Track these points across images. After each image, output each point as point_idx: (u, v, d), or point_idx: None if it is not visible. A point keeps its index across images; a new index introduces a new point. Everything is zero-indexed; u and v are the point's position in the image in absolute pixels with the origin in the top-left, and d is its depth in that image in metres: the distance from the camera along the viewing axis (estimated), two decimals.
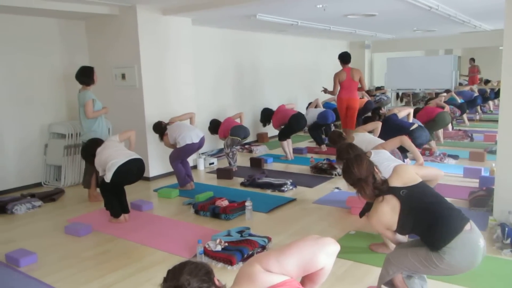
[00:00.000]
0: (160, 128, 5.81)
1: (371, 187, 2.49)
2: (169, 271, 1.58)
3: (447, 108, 7.92)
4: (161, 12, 6.24)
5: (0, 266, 3.56)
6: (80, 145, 5.70)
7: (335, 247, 1.74)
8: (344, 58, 7.41)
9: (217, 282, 1.57)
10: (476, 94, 10.94)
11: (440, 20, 8.01)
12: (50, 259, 3.68)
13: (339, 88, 7.34)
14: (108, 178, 4.27)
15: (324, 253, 1.68)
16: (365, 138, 4.89)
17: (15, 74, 5.83)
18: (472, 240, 2.33)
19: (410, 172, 2.56)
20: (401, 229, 2.48)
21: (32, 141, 6.05)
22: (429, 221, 2.38)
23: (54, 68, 6.27)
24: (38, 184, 6.12)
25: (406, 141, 4.38)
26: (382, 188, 2.49)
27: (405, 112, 6.22)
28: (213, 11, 6.10)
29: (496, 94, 12.14)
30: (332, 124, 8.88)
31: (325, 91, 7.68)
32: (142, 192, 5.71)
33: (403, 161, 4.46)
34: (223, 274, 3.22)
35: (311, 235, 1.77)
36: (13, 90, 5.82)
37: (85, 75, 5.18)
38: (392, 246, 3.42)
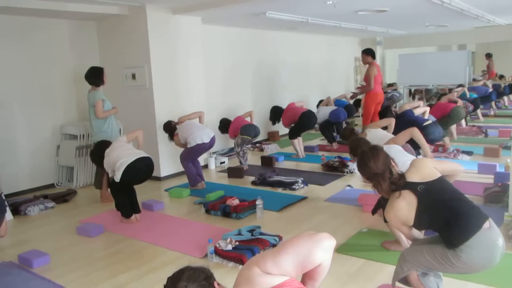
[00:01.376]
0: (170, 128, 5.82)
1: (388, 182, 2.43)
2: (168, 279, 1.57)
3: (460, 102, 7.81)
4: (171, 11, 6.25)
5: (13, 267, 3.58)
6: (92, 146, 5.74)
7: (331, 242, 1.71)
8: (373, 53, 7.41)
9: (217, 286, 1.56)
10: (491, 89, 10.77)
11: (453, 15, 7.89)
12: (63, 260, 3.70)
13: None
14: (117, 177, 4.27)
15: (320, 249, 1.65)
16: (377, 134, 4.84)
17: (26, 76, 5.88)
18: (491, 238, 2.26)
19: (428, 166, 2.48)
20: (418, 225, 2.42)
21: (44, 142, 6.11)
22: (447, 218, 2.32)
23: (66, 69, 6.31)
24: (51, 185, 6.17)
25: (416, 133, 4.32)
26: (399, 183, 2.42)
27: (421, 110, 6.13)
28: (223, 9, 6.08)
29: (510, 89, 11.94)
30: (344, 122, 8.80)
31: (360, 89, 7.80)
32: (153, 192, 5.72)
33: (416, 156, 4.38)
34: (234, 273, 3.18)
35: (306, 232, 1.74)
36: (25, 91, 5.87)
37: (95, 76, 5.21)
38: (405, 243, 3.37)
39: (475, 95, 9.38)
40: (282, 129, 8.82)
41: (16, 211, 4.96)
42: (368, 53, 7.29)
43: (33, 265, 3.53)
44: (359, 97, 8.76)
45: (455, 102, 7.65)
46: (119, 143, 4.57)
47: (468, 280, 2.91)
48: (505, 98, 12.54)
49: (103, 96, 5.22)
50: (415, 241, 2.59)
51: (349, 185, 5.47)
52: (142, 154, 4.47)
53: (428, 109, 6.30)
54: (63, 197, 5.45)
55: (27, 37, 5.86)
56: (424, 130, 5.64)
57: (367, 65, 7.41)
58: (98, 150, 4.60)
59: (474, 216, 2.30)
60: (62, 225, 4.59)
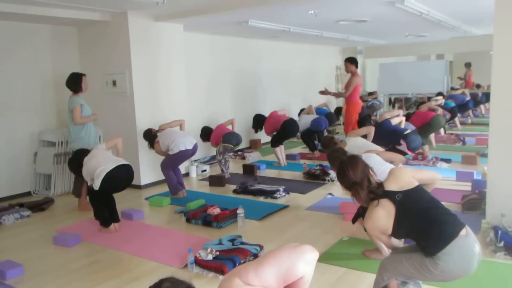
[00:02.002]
0: (150, 136, 5.76)
1: (366, 191, 2.44)
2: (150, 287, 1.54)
3: (440, 110, 7.95)
4: (153, 18, 6.22)
5: None
6: (70, 153, 5.65)
7: (313, 254, 1.70)
8: (357, 62, 7.39)
9: None
10: (468, 98, 11.00)
11: (431, 26, 8.06)
12: (38, 271, 3.60)
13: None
14: (96, 185, 4.20)
15: (303, 261, 1.65)
16: (357, 142, 4.88)
17: (4, 81, 5.76)
18: (467, 246, 2.29)
19: (406, 175, 2.51)
20: (396, 233, 2.44)
21: (21, 149, 5.97)
22: (424, 226, 2.34)
23: (45, 74, 6.21)
24: (28, 193, 6.03)
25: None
26: (377, 192, 2.44)
27: (397, 119, 6.23)
28: (205, 18, 6.08)
29: (487, 97, 12.21)
30: (325, 130, 8.86)
31: (328, 93, 7.60)
32: (133, 200, 5.65)
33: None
34: (215, 284, 3.16)
35: (289, 244, 1.74)
36: (2, 96, 5.74)
37: (73, 82, 5.15)
38: (386, 252, 3.39)
39: (452, 104, 9.56)
40: (264, 137, 8.83)
41: None
42: (352, 62, 7.27)
43: (6, 277, 3.43)
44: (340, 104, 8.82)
45: (435, 110, 7.78)
46: (98, 151, 4.49)
47: (445, 287, 2.94)
48: (482, 106, 12.82)
49: (82, 101, 5.14)
50: (394, 250, 2.60)
51: (330, 194, 5.49)
52: (122, 161, 4.41)
53: (404, 119, 6.41)
54: (40, 206, 5.33)
55: (5, 42, 5.74)
56: (405, 138, 5.74)
57: (349, 74, 7.40)
58: (77, 158, 4.52)
59: (450, 224, 2.33)
60: (38, 235, 4.48)
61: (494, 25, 3.84)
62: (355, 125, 7.37)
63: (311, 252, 1.70)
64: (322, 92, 7.59)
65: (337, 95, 7.46)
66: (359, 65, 12.98)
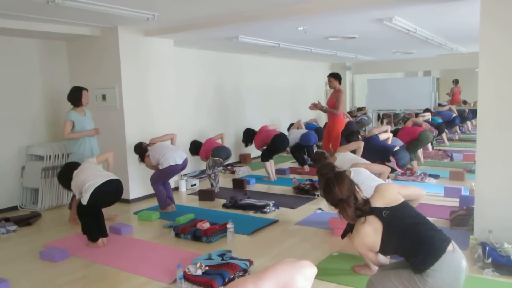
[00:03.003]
0: (140, 149, 5.75)
1: (353, 208, 2.46)
2: None
3: (426, 125, 8.05)
4: (143, 33, 6.24)
5: None
6: (58, 168, 5.61)
7: (312, 270, 1.71)
8: (341, 78, 7.14)
9: None
10: (455, 114, 11.16)
11: (419, 43, 8.21)
12: (24, 287, 3.54)
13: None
14: (85, 200, 4.16)
15: (302, 276, 1.66)
16: (347, 157, 4.93)
17: None
18: (455, 261, 2.31)
19: (392, 191, 2.53)
20: (384, 250, 2.45)
21: (8, 163, 5.91)
22: (411, 243, 2.36)
23: (34, 89, 6.18)
24: (14, 208, 5.94)
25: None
26: (364, 209, 2.45)
27: (385, 135, 6.31)
28: (195, 33, 6.13)
29: (474, 114, 12.39)
30: (315, 145, 8.90)
31: (321, 107, 7.09)
32: (121, 215, 5.59)
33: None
34: None
35: (288, 258, 1.74)
36: None
37: (73, 96, 5.19)
38: (375, 268, 3.39)
39: (440, 120, 9.69)
40: (254, 151, 8.84)
41: None
42: (336, 78, 7.04)
43: None
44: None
45: (420, 125, 7.87)
46: (88, 165, 4.47)
47: None
48: (469, 123, 13.00)
49: (77, 117, 5.15)
50: (382, 267, 2.61)
51: (320, 208, 5.50)
52: (111, 176, 4.38)
53: (391, 135, 6.48)
54: (27, 220, 5.25)
55: None
56: (395, 155, 5.80)
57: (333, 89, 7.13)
58: (66, 172, 4.48)
59: (437, 239, 2.35)
60: (24, 250, 4.41)
61: (479, 43, 3.93)
62: (338, 142, 7.11)
63: (309, 268, 1.71)
64: (314, 105, 7.26)
65: (328, 111, 7.21)
66: (347, 80, 13.24)
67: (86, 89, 5.30)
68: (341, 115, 7.18)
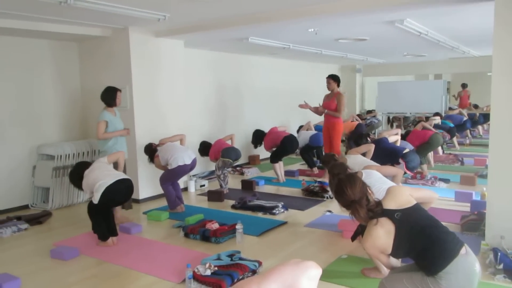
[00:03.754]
0: (150, 150, 5.77)
1: (365, 209, 2.44)
2: None
3: (434, 130, 7.99)
4: (154, 34, 6.28)
5: None
6: (69, 167, 5.64)
7: (317, 271, 1.71)
8: (339, 80, 7.05)
9: None
10: (466, 118, 11.06)
11: (430, 46, 8.16)
12: (34, 284, 3.57)
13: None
14: (96, 199, 4.19)
15: (306, 277, 1.65)
16: (357, 160, 4.91)
17: (4, 95, 5.78)
18: (468, 264, 2.29)
19: (404, 194, 2.51)
20: (395, 253, 2.43)
21: (20, 162, 5.96)
22: (424, 245, 2.33)
23: (45, 89, 6.24)
24: (25, 207, 6.00)
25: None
26: (376, 211, 2.43)
27: (394, 138, 6.28)
28: (206, 34, 6.14)
29: (485, 118, 12.28)
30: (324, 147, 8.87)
31: (317, 110, 7.09)
32: (131, 214, 5.62)
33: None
34: None
35: (293, 259, 1.74)
36: (2, 110, 5.76)
37: (108, 96, 5.17)
38: (385, 270, 3.37)
39: (451, 124, 9.61)
40: (263, 153, 8.84)
41: None
42: (335, 80, 6.92)
43: None
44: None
45: (429, 129, 7.82)
46: (99, 164, 4.50)
47: None
48: (480, 127, 12.87)
49: (110, 117, 5.13)
50: (393, 269, 2.59)
51: (329, 211, 5.48)
52: (122, 175, 4.41)
53: (399, 137, 6.46)
54: (37, 219, 5.30)
55: (7, 56, 5.78)
56: (404, 157, 5.76)
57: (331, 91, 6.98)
58: (77, 171, 4.51)
59: (450, 242, 2.33)
60: (35, 248, 4.45)
61: (493, 47, 3.89)
62: (339, 144, 7.08)
63: (314, 268, 1.70)
64: (305, 105, 7.11)
65: (329, 113, 6.89)
66: (357, 83, 13.18)
67: (120, 90, 5.29)
68: (341, 118, 7.06)
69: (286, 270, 1.65)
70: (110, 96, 5.18)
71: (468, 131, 11.68)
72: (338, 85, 6.98)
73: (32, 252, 4.34)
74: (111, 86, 5.30)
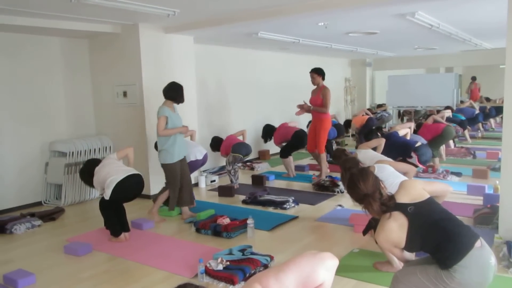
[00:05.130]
0: None
1: (379, 203, 2.43)
2: None
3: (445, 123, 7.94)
4: (163, 30, 6.29)
5: None
6: (81, 164, 5.68)
7: (334, 262, 1.71)
8: (324, 74, 6.67)
9: None
10: (477, 111, 10.94)
11: (441, 38, 8.06)
12: (49, 280, 3.61)
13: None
14: (107, 195, 4.22)
15: (323, 268, 1.65)
16: (368, 154, 4.88)
17: (16, 92, 5.84)
18: (484, 257, 2.27)
19: (417, 187, 2.49)
20: (409, 247, 2.41)
21: (32, 159, 6.03)
22: (439, 239, 2.31)
23: (56, 85, 6.28)
24: (38, 203, 6.06)
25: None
26: (389, 205, 2.42)
27: (403, 132, 6.23)
28: (216, 29, 6.13)
29: (497, 111, 12.14)
30: (334, 141, 8.85)
31: (307, 108, 6.66)
32: (143, 210, 5.65)
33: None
34: None
35: (309, 251, 1.74)
36: (14, 107, 5.82)
37: (175, 91, 5.03)
38: (397, 264, 3.36)
39: (462, 117, 9.52)
40: (273, 148, 8.83)
41: (2, 230, 4.85)
42: (320, 74, 6.61)
43: (19, 286, 3.44)
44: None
45: (441, 122, 7.76)
46: (109, 160, 4.52)
47: None
48: (492, 120, 12.73)
49: (170, 113, 4.95)
50: (407, 263, 2.58)
51: (340, 205, 5.47)
52: (133, 171, 4.43)
53: (409, 131, 6.40)
54: (51, 215, 5.36)
55: (18, 54, 5.83)
56: (416, 151, 5.72)
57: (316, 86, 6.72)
58: (88, 168, 4.54)
59: (465, 236, 2.30)
60: (48, 244, 4.50)
61: (507, 39, 3.83)
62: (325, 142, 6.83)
63: (331, 259, 1.71)
64: (301, 108, 6.71)
65: (315, 110, 6.55)
66: (368, 77, 13.09)
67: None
68: (328, 114, 6.73)
69: (303, 261, 1.66)
70: (178, 93, 5.02)
71: (480, 124, 11.55)
72: (323, 79, 6.66)
73: (46, 248, 4.39)
74: (176, 82, 5.14)
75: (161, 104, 5.02)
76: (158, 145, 5.06)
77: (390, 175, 3.71)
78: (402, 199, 2.42)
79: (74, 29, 5.69)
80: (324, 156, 6.79)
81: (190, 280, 3.44)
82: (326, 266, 1.66)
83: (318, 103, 6.62)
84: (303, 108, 6.72)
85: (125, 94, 6.26)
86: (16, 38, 5.78)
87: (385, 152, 5.34)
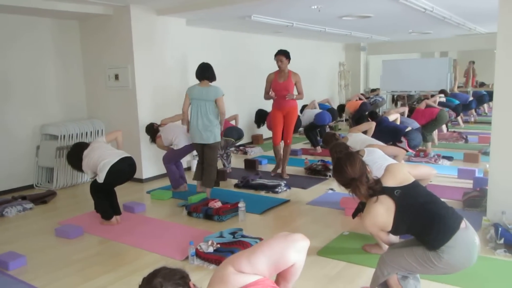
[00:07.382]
0: (152, 130, 5.78)
1: (366, 186, 2.44)
2: (144, 278, 1.55)
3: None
4: (155, 12, 6.21)
5: None
6: None
7: (304, 243, 1.73)
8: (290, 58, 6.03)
9: (192, 286, 1.55)
10: (471, 98, 10.96)
11: (435, 22, 8.03)
12: (40, 262, 3.63)
13: None
14: (101, 178, 4.21)
15: (294, 250, 1.67)
16: (358, 138, 4.90)
17: (5, 74, 5.77)
18: (469, 237, 2.32)
19: (403, 171, 2.51)
20: (396, 230, 2.44)
21: (23, 142, 5.99)
22: (425, 221, 2.35)
23: (47, 68, 6.22)
24: (30, 186, 6.05)
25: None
26: (376, 188, 2.44)
27: (393, 117, 6.25)
28: (208, 11, 6.07)
29: (490, 96, 12.16)
30: (328, 126, 8.85)
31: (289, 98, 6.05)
32: (135, 194, 5.67)
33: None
34: None
35: (281, 232, 1.76)
36: (4, 90, 5.76)
37: (211, 72, 5.19)
38: (386, 247, 3.39)
39: (456, 101, 9.54)
40: (266, 132, 8.83)
41: None
42: (288, 57, 6.02)
43: (9, 267, 3.46)
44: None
45: (434, 107, 7.77)
46: (98, 144, 4.48)
47: (446, 283, 2.95)
48: (485, 105, 12.77)
49: None
50: (393, 245, 2.61)
51: (331, 189, 5.50)
52: (125, 154, 4.42)
53: (399, 116, 6.41)
54: (42, 198, 5.35)
55: (6, 35, 5.74)
56: (406, 135, 5.74)
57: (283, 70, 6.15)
58: (76, 152, 4.46)
59: (450, 217, 2.35)
60: (40, 227, 4.51)
61: (498, 23, 3.83)
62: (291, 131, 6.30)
63: (302, 241, 1.73)
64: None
65: (297, 98, 6.08)
66: (362, 61, 13.04)
67: None
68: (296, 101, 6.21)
69: (275, 243, 1.68)
70: (212, 71, 5.19)
71: (473, 110, 11.59)
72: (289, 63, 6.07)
73: (37, 231, 4.39)
74: (206, 62, 5.26)
75: (200, 84, 5.09)
76: (210, 124, 5.02)
77: (380, 158, 3.73)
78: (389, 182, 2.44)
79: (65, 10, 5.60)
80: (290, 147, 6.35)
81: (180, 263, 3.47)
82: (297, 247, 1.69)
83: (290, 89, 6.04)
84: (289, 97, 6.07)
85: (116, 77, 6.21)
86: (5, 19, 5.69)
87: (376, 137, 5.35)
